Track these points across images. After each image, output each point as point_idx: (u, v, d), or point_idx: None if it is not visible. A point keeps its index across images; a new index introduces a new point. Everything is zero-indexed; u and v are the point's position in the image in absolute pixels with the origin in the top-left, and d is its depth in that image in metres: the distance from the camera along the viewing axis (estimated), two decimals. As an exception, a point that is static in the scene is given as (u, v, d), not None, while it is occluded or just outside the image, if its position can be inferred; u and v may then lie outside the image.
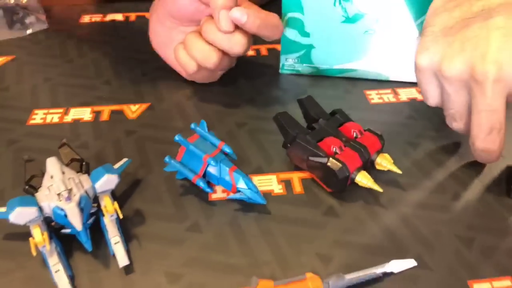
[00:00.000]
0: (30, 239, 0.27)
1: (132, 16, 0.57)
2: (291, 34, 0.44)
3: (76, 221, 0.26)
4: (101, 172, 0.29)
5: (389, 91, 0.45)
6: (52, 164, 0.29)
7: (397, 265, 0.28)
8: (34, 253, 0.26)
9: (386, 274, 0.28)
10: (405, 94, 0.44)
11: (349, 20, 0.42)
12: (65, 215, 0.27)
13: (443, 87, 0.33)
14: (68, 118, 0.40)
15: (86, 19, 0.57)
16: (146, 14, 0.57)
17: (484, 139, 0.32)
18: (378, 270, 0.28)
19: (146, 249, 0.29)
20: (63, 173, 0.28)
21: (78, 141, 0.38)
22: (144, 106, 0.42)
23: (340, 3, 0.41)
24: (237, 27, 0.37)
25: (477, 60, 0.30)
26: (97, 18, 0.57)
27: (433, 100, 0.35)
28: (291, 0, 0.42)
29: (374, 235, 0.31)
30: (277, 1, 0.45)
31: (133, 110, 0.41)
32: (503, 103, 0.31)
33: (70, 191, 0.27)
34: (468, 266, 0.28)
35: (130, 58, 0.49)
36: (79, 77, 0.46)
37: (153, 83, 0.45)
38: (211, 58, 0.38)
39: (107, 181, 0.28)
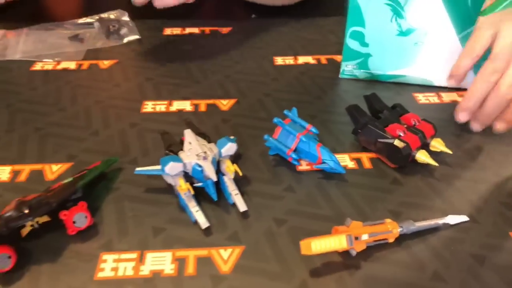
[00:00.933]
0: (178, 185, 0.35)
1: (207, 30, 0.67)
2: (353, 44, 0.53)
3: (212, 173, 0.35)
4: (224, 141, 0.38)
5: (433, 94, 0.53)
6: (189, 134, 0.38)
7: (453, 219, 0.36)
8: (184, 191, 0.35)
9: (445, 225, 0.36)
10: (448, 97, 0.53)
11: (403, 33, 0.51)
12: (202, 171, 0.35)
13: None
14: (173, 108, 0.50)
15: (168, 31, 0.67)
16: (219, 29, 0.67)
17: None
18: (440, 221, 0.36)
19: (255, 202, 0.38)
20: (198, 141, 0.37)
21: (185, 127, 0.47)
22: (232, 101, 0.51)
23: (396, 19, 0.50)
24: None
25: None
26: (177, 31, 0.67)
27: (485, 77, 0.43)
28: (355, 17, 0.51)
29: (431, 198, 0.39)
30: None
31: (224, 104, 0.51)
32: None
33: (205, 153, 0.36)
34: (509, 221, 0.36)
35: (213, 63, 0.59)
36: (173, 78, 0.56)
37: (235, 84, 0.54)
38: None
39: (230, 148, 0.37)
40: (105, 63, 0.58)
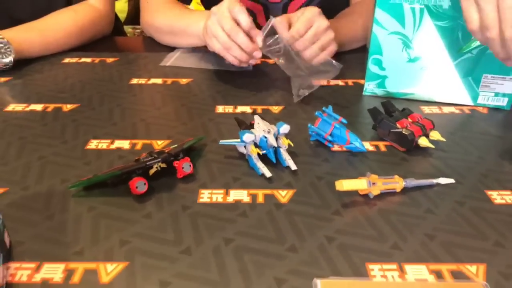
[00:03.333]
0: (250, 150, 0.52)
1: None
2: (374, 68, 0.70)
3: (273, 142, 0.52)
4: (281, 124, 0.54)
5: (436, 107, 0.69)
6: (257, 118, 0.55)
7: (443, 180, 0.51)
8: (254, 154, 0.51)
9: (438, 184, 0.51)
10: (447, 109, 0.68)
11: (411, 60, 0.68)
12: (266, 141, 0.52)
13: (485, 5, 0.51)
14: (238, 110, 0.67)
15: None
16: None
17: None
18: (434, 181, 0.51)
19: (301, 167, 0.53)
20: (263, 122, 0.54)
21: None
22: (280, 107, 0.68)
23: (406, 49, 0.67)
24: None
25: None
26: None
27: (472, 23, 0.53)
28: (375, 47, 0.68)
29: (429, 170, 0.54)
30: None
31: (274, 109, 0.68)
32: None
33: (269, 130, 0.53)
34: (484, 184, 0.51)
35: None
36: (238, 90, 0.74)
37: (278, 93, 0.72)
38: None
39: (285, 128, 0.54)
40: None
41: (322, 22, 0.71)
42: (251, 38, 0.69)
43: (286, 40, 0.69)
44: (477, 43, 0.60)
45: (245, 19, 0.68)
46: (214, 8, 0.71)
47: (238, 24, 0.68)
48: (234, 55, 0.70)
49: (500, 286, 0.39)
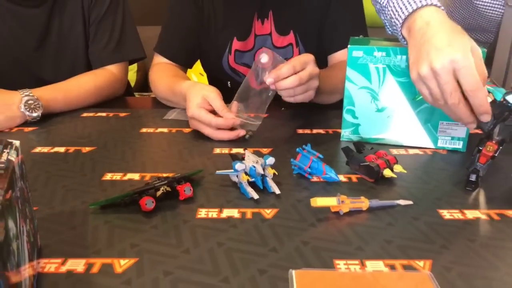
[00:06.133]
0: (241, 177, 0.62)
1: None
2: (348, 117, 0.82)
3: (261, 171, 0.62)
4: (267, 156, 0.65)
5: (402, 149, 0.80)
6: (248, 152, 0.66)
7: (403, 202, 0.61)
8: (245, 180, 0.61)
9: (398, 205, 0.60)
10: (412, 151, 0.79)
11: (379, 110, 0.80)
12: (255, 170, 0.62)
13: (430, 84, 0.63)
14: (232, 151, 0.78)
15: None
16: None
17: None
18: (395, 202, 0.60)
19: (284, 192, 0.63)
20: (253, 155, 0.65)
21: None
22: (269, 149, 0.79)
23: (374, 101, 0.80)
24: None
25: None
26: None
27: (426, 98, 0.66)
28: (349, 100, 0.81)
29: (395, 197, 0.63)
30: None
31: (264, 150, 0.79)
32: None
33: (257, 161, 0.64)
34: (437, 205, 0.60)
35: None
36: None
37: (268, 139, 0.83)
38: None
39: (271, 160, 0.65)
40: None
41: (314, 68, 0.82)
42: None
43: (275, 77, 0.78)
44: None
45: (217, 105, 0.82)
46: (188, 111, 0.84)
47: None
48: (221, 137, 0.83)
49: (443, 276, 0.47)
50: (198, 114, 0.82)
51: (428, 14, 0.67)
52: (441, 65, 0.61)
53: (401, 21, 0.71)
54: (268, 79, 0.77)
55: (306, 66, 0.80)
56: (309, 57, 0.82)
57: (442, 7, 0.69)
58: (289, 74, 0.78)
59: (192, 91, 0.85)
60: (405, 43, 0.72)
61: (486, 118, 0.63)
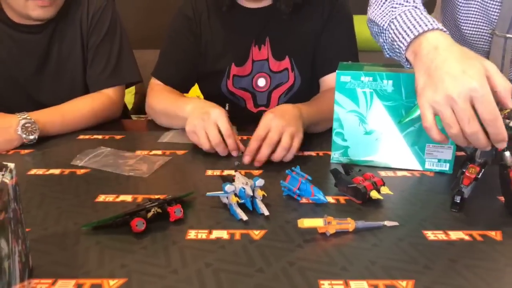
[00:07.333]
0: (231, 199, 0.63)
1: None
2: (338, 140, 0.84)
3: (250, 192, 0.64)
4: (257, 178, 0.67)
5: (391, 171, 0.82)
6: (238, 174, 0.68)
7: (389, 223, 0.62)
8: (234, 201, 0.63)
9: (384, 226, 0.61)
10: (400, 173, 0.81)
11: (367, 133, 0.82)
12: (244, 191, 0.64)
13: (444, 111, 0.61)
14: (224, 173, 0.80)
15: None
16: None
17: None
18: (381, 223, 0.62)
19: (272, 213, 0.65)
20: (242, 177, 0.67)
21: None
22: (260, 171, 0.81)
23: (362, 124, 0.82)
24: None
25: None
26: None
27: (427, 122, 0.63)
28: (338, 123, 0.83)
29: (378, 215, 0.65)
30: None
31: (255, 172, 0.80)
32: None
33: (246, 183, 0.65)
34: (422, 226, 0.62)
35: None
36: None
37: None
38: None
39: (260, 181, 0.66)
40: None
41: (278, 122, 0.82)
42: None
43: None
44: (413, 116, 0.74)
45: (225, 128, 0.85)
46: (203, 115, 0.87)
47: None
48: (218, 151, 0.86)
49: (425, 296, 0.48)
50: (223, 119, 0.86)
51: (435, 38, 0.67)
52: (457, 93, 0.59)
53: (406, 44, 0.71)
54: (245, 158, 0.82)
55: (270, 126, 0.82)
56: (268, 116, 0.84)
57: (447, 32, 0.69)
58: (257, 145, 0.82)
59: (207, 103, 0.91)
60: (408, 66, 0.74)
61: (503, 145, 0.62)
